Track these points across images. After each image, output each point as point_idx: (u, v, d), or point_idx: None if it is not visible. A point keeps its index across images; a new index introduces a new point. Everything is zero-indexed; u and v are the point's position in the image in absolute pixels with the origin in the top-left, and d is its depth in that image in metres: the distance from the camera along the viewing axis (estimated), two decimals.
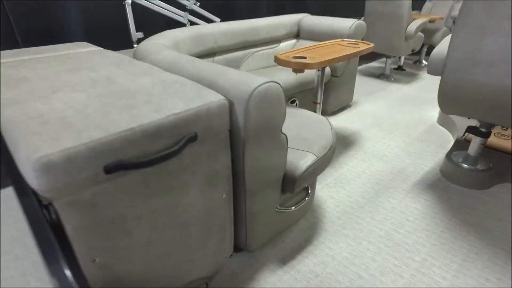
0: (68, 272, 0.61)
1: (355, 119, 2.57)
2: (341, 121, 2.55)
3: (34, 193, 0.68)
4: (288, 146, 1.27)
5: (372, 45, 1.94)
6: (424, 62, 4.19)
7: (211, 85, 1.01)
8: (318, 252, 1.35)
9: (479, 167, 1.77)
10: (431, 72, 1.56)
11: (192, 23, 2.48)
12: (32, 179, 0.64)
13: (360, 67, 4.01)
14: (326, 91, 2.54)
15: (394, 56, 3.68)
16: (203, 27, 2.05)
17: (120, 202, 0.78)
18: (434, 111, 2.73)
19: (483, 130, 1.69)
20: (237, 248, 1.29)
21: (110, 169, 0.72)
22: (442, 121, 2.48)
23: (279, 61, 1.59)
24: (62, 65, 1.19)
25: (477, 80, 1.39)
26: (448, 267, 1.29)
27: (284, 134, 1.11)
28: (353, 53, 1.76)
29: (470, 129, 1.73)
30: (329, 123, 1.44)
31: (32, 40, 1.95)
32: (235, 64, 2.30)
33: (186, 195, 0.93)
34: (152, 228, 0.89)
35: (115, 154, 0.72)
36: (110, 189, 0.75)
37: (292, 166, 1.20)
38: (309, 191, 1.42)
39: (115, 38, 2.16)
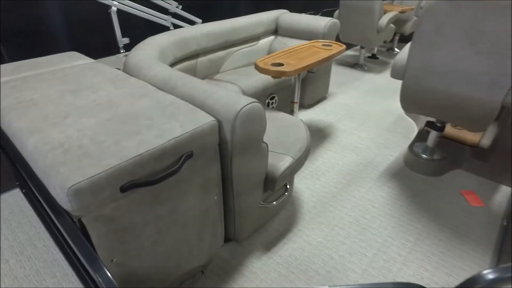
0: (101, 271, 0.79)
1: (330, 111, 2.78)
2: (317, 113, 2.75)
3: (66, 211, 0.85)
4: (269, 149, 1.46)
5: (344, 47, 2.12)
6: (396, 49, 4.41)
7: (202, 105, 1.17)
8: (296, 238, 1.58)
9: (435, 157, 2.02)
10: (394, 76, 1.77)
11: (175, 26, 2.57)
12: (66, 202, 0.80)
13: None
14: (302, 86, 2.72)
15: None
16: (185, 31, 2.17)
17: (132, 212, 0.96)
18: None
19: (439, 125, 1.93)
20: (227, 239, 1.49)
21: (125, 189, 0.89)
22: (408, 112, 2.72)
23: (258, 69, 1.75)
24: (63, 84, 1.31)
25: (431, 87, 1.61)
26: (404, 245, 1.55)
27: (265, 143, 1.29)
28: (327, 57, 1.94)
29: (428, 124, 1.97)
30: (304, 126, 1.63)
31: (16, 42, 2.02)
32: (218, 64, 2.43)
33: (185, 200, 1.11)
34: (157, 230, 1.07)
35: (129, 175, 0.89)
36: (125, 204, 0.92)
37: (272, 168, 1.40)
38: (288, 187, 1.62)
39: (101, 43, 2.24)
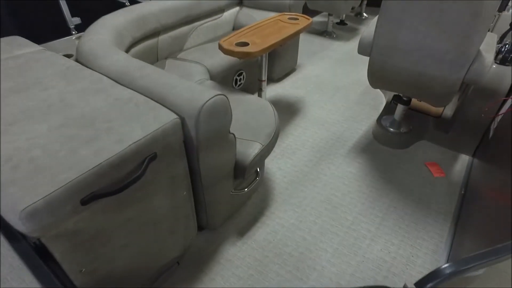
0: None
1: (300, 84, 2.75)
2: (287, 87, 2.71)
3: (21, 233, 0.79)
4: (237, 137, 1.43)
5: (310, 20, 2.06)
6: (365, 14, 4.36)
7: (163, 100, 1.11)
8: (270, 222, 1.60)
9: (402, 130, 2.08)
10: (361, 53, 1.75)
11: (132, 2, 2.37)
12: (19, 225, 0.75)
13: None
14: (271, 60, 2.65)
15: None
16: (143, 6, 2.01)
17: (98, 221, 0.92)
18: None
19: (405, 99, 1.96)
20: (201, 227, 1.49)
21: (86, 201, 0.84)
22: None
23: (223, 50, 1.67)
24: (5, 81, 1.19)
25: (396, 64, 1.60)
26: (373, 221, 1.62)
27: (232, 134, 1.26)
28: (293, 33, 1.87)
29: (395, 98, 2.00)
30: (272, 109, 1.60)
31: None
32: (181, 41, 2.30)
33: (153, 201, 1.07)
34: (127, 233, 1.04)
35: (89, 187, 0.84)
36: (88, 215, 0.88)
37: (241, 156, 1.38)
38: (259, 172, 1.62)
39: (49, 25, 2.04)
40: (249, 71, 2.43)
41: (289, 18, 2.09)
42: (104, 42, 1.52)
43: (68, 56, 1.65)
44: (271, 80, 2.80)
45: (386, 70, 1.67)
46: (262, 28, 1.94)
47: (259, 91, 2.07)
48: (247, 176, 1.42)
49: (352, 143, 2.11)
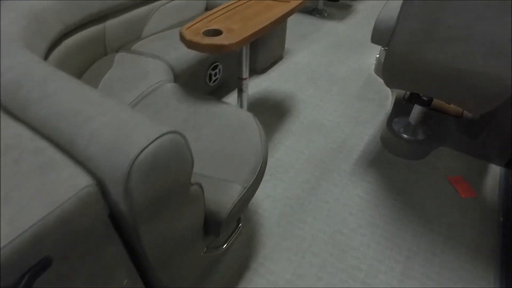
0: None
1: (289, 76, 2.28)
2: (274, 80, 2.24)
3: None
4: (206, 174, 0.99)
5: None
6: None
7: (69, 148, 0.64)
8: (257, 279, 1.18)
9: (419, 137, 1.66)
10: (376, 42, 1.29)
11: None
12: None
13: None
14: (253, 47, 2.17)
15: None
16: None
17: None
18: (371, 57, 2.53)
19: (425, 98, 1.53)
20: None
21: None
22: (379, 71, 2.30)
23: (185, 43, 1.19)
24: None
25: (429, 58, 1.16)
26: (393, 269, 1.22)
27: (196, 184, 0.81)
28: (283, 15, 1.40)
29: (412, 98, 1.57)
30: (257, 127, 1.15)
31: None
32: (137, 26, 1.78)
33: None
34: None
35: None
36: None
37: (214, 206, 0.93)
38: (241, 217, 1.19)
39: None
40: (227, 63, 1.95)
41: None
42: (4, 36, 1.02)
43: None
44: (255, 71, 2.31)
45: (412, 65, 1.23)
46: (242, 8, 1.45)
47: (240, 91, 1.60)
48: (223, 232, 0.98)
49: (357, 155, 1.69)
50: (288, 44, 2.67)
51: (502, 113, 1.50)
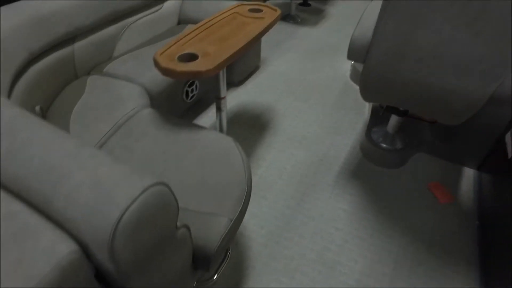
0: None
1: (266, 87, 2.28)
2: (251, 92, 2.23)
3: None
4: (191, 208, 0.96)
5: (279, 12, 1.57)
6: None
7: (46, 209, 0.61)
8: None
9: (397, 145, 1.70)
10: (352, 58, 1.31)
11: None
12: None
13: None
14: None
15: None
16: (43, 4, 1.41)
17: None
18: (347, 63, 2.56)
19: (402, 109, 1.57)
20: None
21: None
22: (355, 78, 2.34)
23: (161, 70, 1.16)
24: None
25: (403, 75, 1.19)
26: (381, 283, 1.24)
27: (183, 226, 0.79)
28: (259, 34, 1.39)
29: (389, 109, 1.60)
30: (239, 151, 1.13)
31: None
32: (108, 46, 1.72)
33: None
34: None
35: None
36: None
37: (202, 243, 0.91)
38: (229, 248, 1.17)
39: None
40: (203, 79, 1.92)
41: (250, 10, 1.59)
42: None
43: None
44: (231, 84, 2.29)
45: (388, 82, 1.25)
46: (216, 27, 1.43)
47: (218, 110, 1.58)
48: (213, 266, 0.96)
49: (339, 166, 1.71)
50: (263, 53, 2.67)
51: (470, 118, 1.56)
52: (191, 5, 2.09)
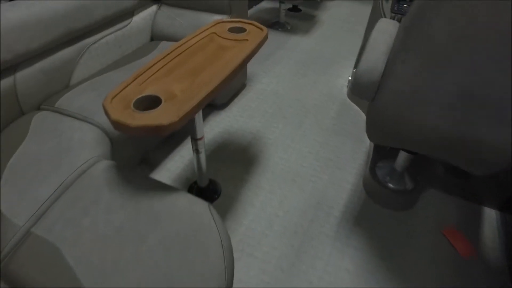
0: None
1: (254, 110, 2.01)
2: (236, 116, 1.96)
3: None
4: None
5: (265, 31, 1.31)
6: None
7: None
8: None
9: (407, 186, 1.45)
10: (356, 95, 1.05)
11: None
12: None
13: (250, 12, 3.29)
14: None
15: None
16: None
17: None
18: (342, 78, 2.31)
19: None
20: None
21: None
22: (352, 96, 2.09)
23: (112, 124, 0.88)
24: None
25: (425, 121, 0.93)
26: None
27: None
28: (241, 63, 1.12)
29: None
30: (217, 227, 0.87)
31: None
32: (63, 73, 1.44)
33: None
34: None
35: None
36: None
37: None
38: None
39: None
40: None
41: (231, 30, 1.32)
42: None
43: None
44: (213, 107, 2.02)
45: (403, 126, 1.00)
46: (187, 54, 1.16)
47: (196, 152, 1.31)
48: None
49: (340, 211, 1.45)
50: (250, 67, 2.40)
51: None
52: (165, 18, 1.82)
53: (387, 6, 1.69)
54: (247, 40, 1.26)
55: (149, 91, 0.97)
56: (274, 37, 2.84)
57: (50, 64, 1.39)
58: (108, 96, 0.93)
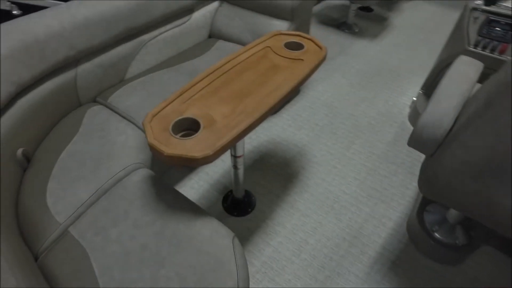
0: None
1: (304, 120, 1.93)
2: (285, 125, 1.89)
3: None
4: None
5: (324, 51, 1.21)
6: None
7: None
8: None
9: (458, 241, 1.30)
10: (413, 147, 0.94)
11: (23, 7, 1.52)
12: None
13: (316, 9, 3.12)
14: None
15: None
16: (37, 22, 1.18)
17: None
18: (406, 96, 2.12)
19: None
20: None
21: None
22: (414, 120, 1.91)
23: (148, 144, 0.88)
24: None
25: (490, 193, 0.80)
26: None
27: None
28: (297, 84, 1.05)
29: None
30: (236, 275, 0.84)
31: None
32: (119, 68, 1.48)
33: None
34: None
35: None
36: None
37: None
38: None
39: None
40: None
41: (287, 45, 1.24)
42: None
43: None
44: None
45: (466, 198, 0.87)
46: (237, 70, 1.12)
47: (234, 168, 1.28)
48: None
49: (375, 251, 1.35)
50: None
51: None
52: (225, 17, 1.78)
53: (473, 27, 1.48)
54: (302, 60, 1.17)
55: (189, 112, 0.94)
56: (339, 39, 2.68)
57: (108, 60, 1.43)
58: (149, 114, 0.93)
